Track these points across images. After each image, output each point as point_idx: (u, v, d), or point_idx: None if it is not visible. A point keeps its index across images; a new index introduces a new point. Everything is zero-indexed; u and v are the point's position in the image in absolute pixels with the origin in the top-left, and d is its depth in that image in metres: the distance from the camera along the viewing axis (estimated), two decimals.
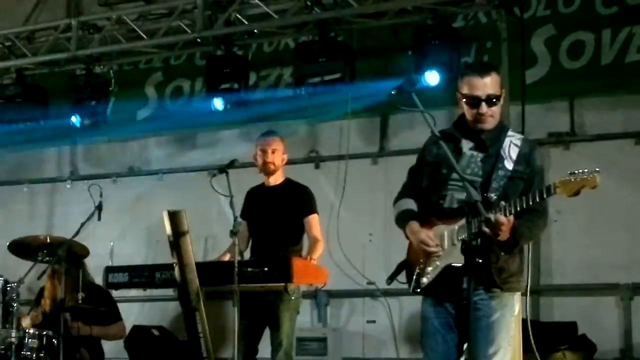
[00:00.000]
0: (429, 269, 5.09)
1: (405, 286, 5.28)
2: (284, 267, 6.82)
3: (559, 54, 8.91)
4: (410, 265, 5.25)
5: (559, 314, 8.65)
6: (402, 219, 5.30)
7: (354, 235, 9.21)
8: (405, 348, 9.16)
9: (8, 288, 7.94)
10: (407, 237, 5.24)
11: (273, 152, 7.53)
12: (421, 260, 5.13)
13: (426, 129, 5.12)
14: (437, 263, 5.07)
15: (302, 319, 8.07)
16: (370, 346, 9.37)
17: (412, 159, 8.83)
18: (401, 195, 5.45)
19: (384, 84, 8.50)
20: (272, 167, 7.54)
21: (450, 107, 8.88)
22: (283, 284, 6.95)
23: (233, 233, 6.99)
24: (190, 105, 10.35)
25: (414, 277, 5.16)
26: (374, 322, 9.36)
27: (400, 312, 9.22)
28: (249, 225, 7.65)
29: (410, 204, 5.32)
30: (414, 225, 5.16)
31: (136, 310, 9.96)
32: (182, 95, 10.61)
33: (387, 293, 9.14)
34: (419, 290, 5.16)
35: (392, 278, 5.41)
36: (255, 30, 9.61)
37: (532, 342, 6.05)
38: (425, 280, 5.11)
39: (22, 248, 8.25)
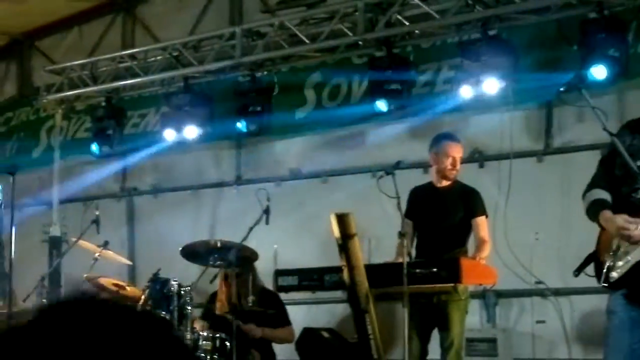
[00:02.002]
0: (620, 263, 4.96)
1: (576, 285, 5.19)
2: (453, 268, 6.81)
3: None
4: (599, 258, 5.13)
5: None
6: (594, 209, 5.13)
7: (521, 235, 9.06)
8: (578, 348, 8.97)
9: (182, 292, 8.17)
10: (601, 227, 5.10)
11: (460, 160, 7.57)
12: (611, 253, 5.00)
13: (596, 124, 4.99)
14: (629, 258, 4.93)
15: (470, 319, 8.02)
16: (541, 347, 9.20)
17: (581, 156, 8.72)
18: (591, 186, 5.28)
19: (548, 80, 8.39)
20: (456, 174, 7.56)
21: (618, 102, 8.76)
22: (452, 285, 6.93)
23: (401, 234, 7.01)
24: (352, 107, 10.39)
25: (604, 271, 5.04)
26: (543, 322, 9.20)
27: (572, 312, 9.04)
28: (415, 226, 7.65)
29: (602, 194, 5.14)
30: (608, 212, 4.99)
31: (305, 312, 10.04)
32: (341, 95, 10.66)
33: (557, 292, 8.99)
34: (607, 284, 5.05)
35: (579, 270, 5.29)
36: (417, 31, 9.57)
37: None
38: (615, 274, 4.99)
39: (193, 253, 8.43)
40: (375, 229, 9.46)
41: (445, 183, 7.61)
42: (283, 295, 8.41)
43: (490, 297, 9.37)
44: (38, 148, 13.07)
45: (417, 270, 6.86)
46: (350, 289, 7.07)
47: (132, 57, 11.30)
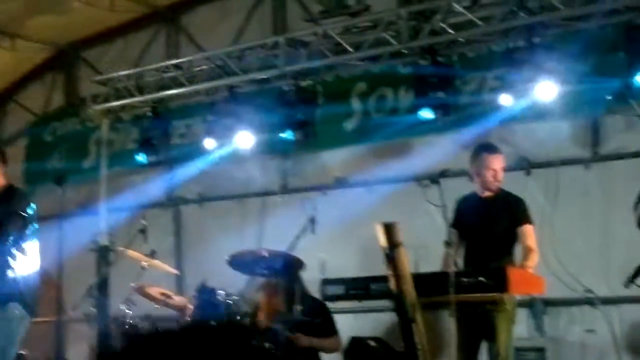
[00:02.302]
0: None
1: (626, 294, 5.13)
2: (501, 277, 6.77)
3: None
4: None
5: None
6: None
7: (569, 243, 9.00)
8: (628, 358, 8.88)
9: (229, 301, 8.22)
10: None
11: (502, 170, 7.53)
12: None
13: None
14: None
15: (518, 328, 7.95)
16: (590, 356, 9.13)
17: (630, 164, 8.65)
18: None
19: (595, 88, 8.34)
20: (499, 185, 7.53)
21: None
22: (499, 294, 6.89)
23: (448, 244, 6.99)
24: (397, 115, 10.39)
25: None
26: (593, 331, 9.12)
27: (621, 321, 8.96)
28: (461, 235, 7.62)
29: None
30: None
31: (351, 321, 10.03)
32: (386, 104, 10.65)
33: (606, 301, 8.91)
34: None
35: (631, 281, 5.25)
36: (461, 39, 9.53)
37: None
38: None
39: (240, 262, 8.46)
40: (422, 238, 9.41)
41: (489, 193, 7.59)
42: (330, 304, 8.41)
43: (538, 306, 9.31)
44: (87, 159, 13.16)
45: (464, 280, 6.84)
46: (397, 298, 7.05)
47: (177, 66, 11.36)
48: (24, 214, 6.88)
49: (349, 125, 10.87)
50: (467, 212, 7.64)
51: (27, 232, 6.88)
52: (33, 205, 6.99)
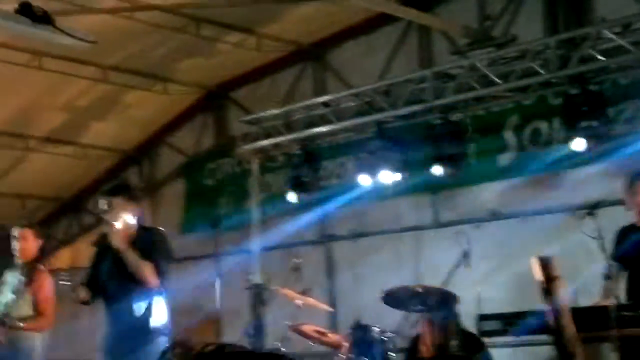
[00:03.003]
0: None
1: None
2: None
3: None
4: None
5: None
6: None
7: None
8: None
9: (384, 338, 8.20)
10: None
11: None
12: None
13: None
14: None
15: None
16: None
17: None
18: None
19: None
20: None
21: None
22: None
23: (607, 276, 6.83)
24: (553, 148, 10.24)
25: None
26: None
27: None
28: (623, 267, 7.43)
29: None
30: None
31: (508, 356, 9.88)
32: (541, 136, 10.51)
33: None
34: None
35: None
36: (612, 65, 9.33)
37: None
38: None
39: (394, 298, 8.43)
40: (579, 271, 9.21)
41: None
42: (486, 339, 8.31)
43: None
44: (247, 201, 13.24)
45: (626, 313, 6.66)
46: (556, 333, 6.91)
47: (325, 104, 11.48)
48: (169, 251, 7.07)
49: (504, 159, 10.76)
50: (627, 244, 7.44)
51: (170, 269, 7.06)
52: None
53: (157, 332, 6.92)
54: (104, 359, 7.08)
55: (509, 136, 10.76)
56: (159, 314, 6.96)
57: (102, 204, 7.15)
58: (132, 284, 6.88)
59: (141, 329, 6.89)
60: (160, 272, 6.89)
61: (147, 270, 6.83)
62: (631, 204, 7.45)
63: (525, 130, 10.64)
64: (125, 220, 7.03)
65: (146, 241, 7.03)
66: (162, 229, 7.42)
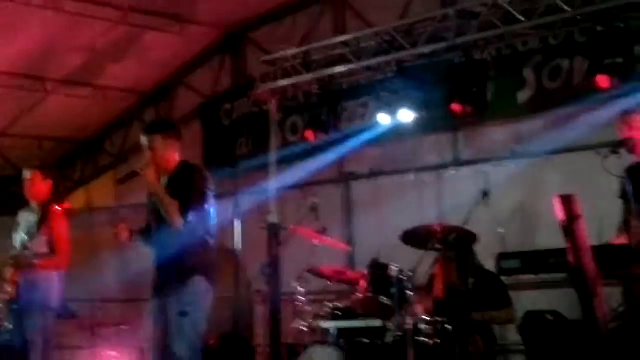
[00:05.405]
0: None
1: None
2: None
3: None
4: None
5: None
6: None
7: None
8: None
9: (403, 277, 8.16)
10: None
11: None
12: None
13: None
14: None
15: None
16: None
17: None
18: None
19: None
20: None
21: None
22: None
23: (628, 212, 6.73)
24: (572, 84, 10.07)
25: None
26: None
27: None
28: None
29: None
30: None
31: (527, 295, 9.80)
32: (561, 74, 10.34)
33: None
34: None
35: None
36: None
37: None
38: None
39: (413, 237, 8.39)
40: (604, 208, 9.08)
41: None
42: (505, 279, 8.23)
43: None
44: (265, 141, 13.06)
45: None
46: (577, 272, 6.83)
47: (344, 43, 11.33)
48: (202, 190, 6.93)
49: (523, 96, 10.62)
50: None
51: (207, 208, 6.92)
52: (210, 182, 7.03)
53: (193, 271, 6.85)
54: (152, 295, 7.04)
55: (527, 73, 10.60)
56: (193, 253, 6.87)
57: (144, 140, 7.06)
58: (166, 224, 6.81)
59: (177, 268, 6.83)
60: (192, 209, 6.78)
61: (173, 211, 6.74)
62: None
63: (546, 69, 10.46)
64: (161, 158, 6.97)
65: (185, 178, 6.95)
66: (203, 167, 7.34)
